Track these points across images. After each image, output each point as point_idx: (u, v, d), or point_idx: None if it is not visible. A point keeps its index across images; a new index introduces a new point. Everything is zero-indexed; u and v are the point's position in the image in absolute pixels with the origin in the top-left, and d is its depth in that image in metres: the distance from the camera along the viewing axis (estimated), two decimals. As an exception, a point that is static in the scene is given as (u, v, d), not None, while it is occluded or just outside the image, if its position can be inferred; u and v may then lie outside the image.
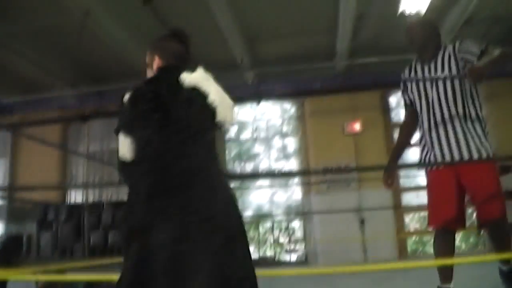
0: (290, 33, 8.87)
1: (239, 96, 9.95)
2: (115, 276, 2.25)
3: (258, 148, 10.94)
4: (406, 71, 4.02)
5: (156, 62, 2.70)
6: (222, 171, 2.66)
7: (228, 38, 8.33)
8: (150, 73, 2.73)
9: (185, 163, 2.31)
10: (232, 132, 11.17)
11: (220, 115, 2.46)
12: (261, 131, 10.98)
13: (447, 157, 3.58)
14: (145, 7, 7.37)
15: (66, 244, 10.32)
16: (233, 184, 10.78)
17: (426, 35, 3.78)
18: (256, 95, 9.91)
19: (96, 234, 10.27)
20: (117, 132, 2.46)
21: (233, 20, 7.76)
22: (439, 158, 3.63)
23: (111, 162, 11.46)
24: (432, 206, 3.75)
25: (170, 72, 2.57)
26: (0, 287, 8.75)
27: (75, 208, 10.84)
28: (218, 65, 9.64)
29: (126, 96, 2.45)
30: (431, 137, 3.70)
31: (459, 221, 3.61)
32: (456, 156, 3.54)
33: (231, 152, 11.22)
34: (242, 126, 11.17)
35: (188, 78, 2.50)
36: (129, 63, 9.21)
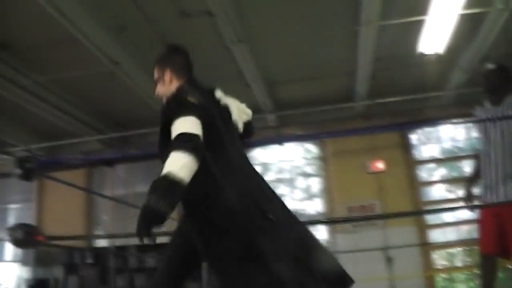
0: (310, 77, 9.09)
1: (262, 139, 10.20)
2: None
3: (282, 189, 10.98)
4: (478, 110, 4.43)
5: (168, 75, 2.86)
6: None
7: (251, 83, 8.55)
8: (161, 88, 2.90)
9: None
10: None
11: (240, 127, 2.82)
12: (285, 172, 11.07)
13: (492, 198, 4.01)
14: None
15: (92, 287, 10.41)
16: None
17: (497, 81, 4.18)
18: (278, 137, 10.10)
19: (122, 277, 10.35)
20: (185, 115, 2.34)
21: (255, 66, 7.98)
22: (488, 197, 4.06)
23: (136, 206, 11.63)
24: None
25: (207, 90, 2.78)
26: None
27: (101, 252, 10.96)
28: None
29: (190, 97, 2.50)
30: (486, 175, 4.12)
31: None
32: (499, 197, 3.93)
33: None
34: (266, 168, 11.26)
35: (223, 98, 2.81)
36: (154, 108, 9.48)
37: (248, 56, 7.54)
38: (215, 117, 2.57)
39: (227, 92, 7.36)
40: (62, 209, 11.65)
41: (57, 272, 10.73)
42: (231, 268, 2.35)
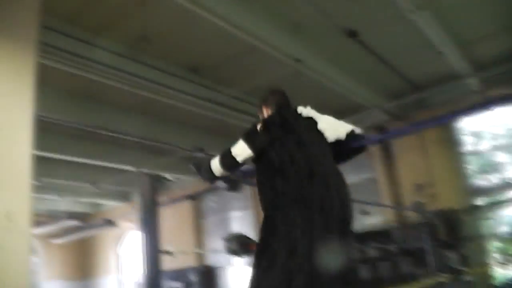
0: (507, 28, 8.03)
1: (468, 107, 9.29)
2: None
3: (500, 157, 9.91)
4: None
5: (264, 111, 3.55)
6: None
7: (442, 49, 7.84)
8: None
9: (322, 170, 2.97)
10: (469, 144, 10.37)
11: (329, 135, 3.32)
12: (501, 138, 9.97)
13: None
14: (351, 40, 7.43)
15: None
16: (481, 200, 9.97)
17: None
18: (485, 102, 9.11)
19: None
20: (243, 138, 3.18)
21: (442, 30, 7.28)
22: None
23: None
24: None
25: (287, 106, 3.50)
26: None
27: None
28: (438, 80, 9.28)
29: (258, 125, 3.24)
30: None
31: None
32: None
33: (472, 165, 10.38)
34: (478, 136, 10.29)
35: (304, 110, 3.43)
36: (345, 96, 9.33)
37: (431, 22, 6.90)
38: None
39: (418, 63, 6.99)
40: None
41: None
42: None
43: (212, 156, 3.40)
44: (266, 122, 3.25)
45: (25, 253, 3.16)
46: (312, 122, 3.34)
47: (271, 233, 2.80)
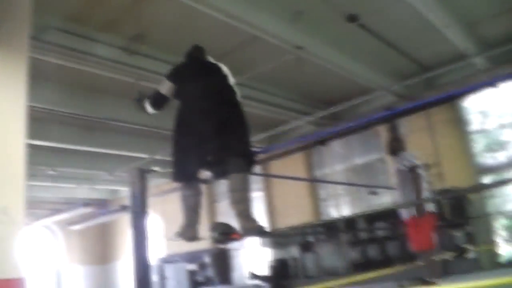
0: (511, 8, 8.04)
1: (473, 84, 9.35)
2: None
3: (507, 135, 9.95)
4: None
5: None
6: None
7: (445, 31, 7.89)
8: None
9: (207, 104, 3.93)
10: (475, 123, 10.43)
11: (230, 79, 4.19)
12: (508, 116, 10.00)
13: None
14: (351, 25, 7.52)
15: (328, 262, 10.82)
16: (488, 179, 10.06)
17: None
18: (491, 80, 9.16)
19: (355, 250, 10.55)
20: (167, 77, 4.13)
21: (444, 11, 7.33)
22: None
23: (357, 178, 11.75)
24: None
25: (196, 55, 4.32)
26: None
27: (332, 227, 11.31)
28: (445, 60, 9.33)
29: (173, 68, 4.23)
30: None
31: None
32: None
33: (478, 144, 10.45)
34: (485, 115, 10.33)
35: (212, 60, 4.33)
36: (352, 80, 9.44)
37: (431, 3, 6.95)
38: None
39: (422, 44, 7.05)
40: (289, 190, 12.36)
41: (294, 251, 11.42)
42: None
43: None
44: (176, 66, 4.25)
45: (18, 243, 3.39)
46: (215, 66, 4.24)
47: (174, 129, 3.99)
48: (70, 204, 15.72)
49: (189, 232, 3.87)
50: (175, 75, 4.15)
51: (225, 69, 4.25)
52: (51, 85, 8.26)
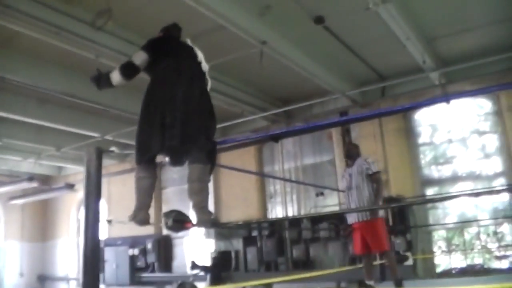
0: (471, 27, 8.31)
1: (428, 99, 9.60)
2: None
3: (454, 149, 10.29)
4: None
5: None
6: None
7: (406, 43, 8.08)
8: None
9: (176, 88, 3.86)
10: (425, 135, 10.75)
11: (204, 66, 4.11)
12: (456, 131, 10.35)
13: None
14: (317, 26, 7.60)
15: (270, 258, 10.93)
16: (431, 190, 10.39)
17: None
18: (444, 95, 9.43)
19: (297, 248, 10.68)
20: (143, 49, 4.00)
21: (407, 24, 7.50)
22: None
23: (306, 177, 11.89)
24: None
25: (174, 34, 4.30)
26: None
27: (277, 224, 11.42)
28: (402, 71, 9.55)
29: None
30: None
31: None
32: None
33: (426, 156, 10.78)
34: (434, 129, 10.65)
35: (189, 42, 4.27)
36: (311, 81, 9.53)
37: (396, 16, 7.11)
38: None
39: (383, 54, 7.24)
40: (237, 184, 12.40)
41: (237, 244, 11.47)
42: None
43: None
44: (154, 39, 4.17)
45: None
46: (192, 50, 4.17)
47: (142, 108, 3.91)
48: (13, 177, 15.25)
49: (140, 215, 3.81)
50: (152, 48, 4.02)
51: (200, 54, 4.17)
52: (5, 52, 7.99)
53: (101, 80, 4.06)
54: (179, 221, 3.70)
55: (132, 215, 3.81)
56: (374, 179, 6.24)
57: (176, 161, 3.92)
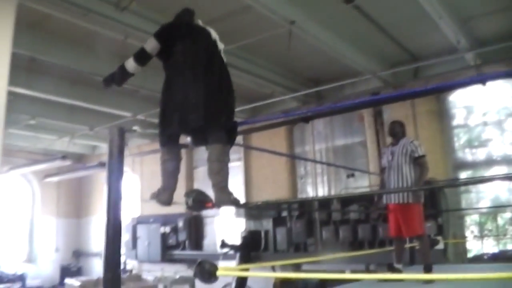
0: (507, 6, 8.03)
1: (463, 80, 9.36)
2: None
3: (489, 132, 10.05)
4: None
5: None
6: None
7: (439, 22, 7.87)
8: None
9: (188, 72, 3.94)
10: (459, 117, 10.52)
11: (220, 45, 4.13)
12: (492, 114, 10.09)
13: None
14: (347, 6, 7.46)
15: (299, 239, 10.95)
16: (465, 174, 10.20)
17: None
18: (480, 77, 9.19)
19: (327, 229, 10.66)
20: (154, 36, 4.09)
21: (440, 3, 7.29)
22: None
23: (336, 159, 11.83)
24: None
25: (185, 18, 4.25)
26: (242, 281, 9.71)
27: (306, 206, 11.41)
28: (436, 52, 9.32)
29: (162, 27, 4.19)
30: None
31: None
32: None
33: (460, 139, 10.56)
34: (469, 111, 10.41)
35: (201, 23, 4.24)
36: (341, 62, 9.41)
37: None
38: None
39: (415, 34, 7.06)
40: (267, 165, 12.42)
41: (267, 224, 11.51)
42: None
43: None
44: (165, 26, 4.22)
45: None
46: (205, 31, 4.16)
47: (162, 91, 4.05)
48: (48, 155, 15.61)
49: (164, 195, 3.89)
50: (162, 35, 4.10)
51: (214, 34, 4.17)
52: (37, 33, 8.11)
53: (116, 75, 4.21)
54: (200, 201, 3.74)
55: (155, 194, 3.89)
56: (419, 163, 5.96)
57: (198, 141, 3.97)
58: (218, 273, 2.94)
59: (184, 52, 3.98)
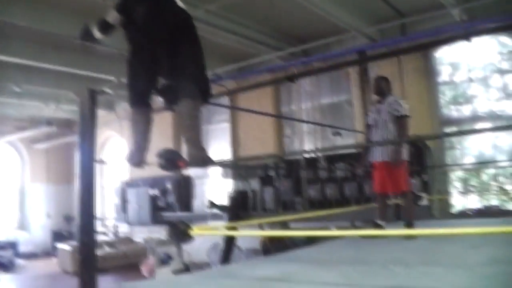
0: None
1: (448, 35, 9.28)
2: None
3: (475, 89, 10.03)
4: None
5: None
6: None
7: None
8: None
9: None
10: (445, 74, 10.48)
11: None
12: (477, 70, 10.06)
13: None
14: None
15: (286, 198, 11.05)
16: (450, 130, 10.24)
17: None
18: (466, 32, 9.09)
19: (314, 188, 10.75)
20: (114, 7, 3.87)
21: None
22: None
23: (323, 117, 11.82)
24: None
25: None
26: (230, 240, 9.78)
27: (294, 164, 11.45)
28: (422, 8, 9.20)
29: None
30: None
31: None
32: None
33: (445, 96, 10.54)
34: (455, 67, 10.36)
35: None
36: (327, 19, 9.29)
37: None
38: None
39: None
40: (254, 124, 12.40)
41: (255, 184, 11.59)
42: None
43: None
44: None
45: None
46: (181, 10, 3.95)
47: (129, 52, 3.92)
48: (35, 122, 15.50)
49: (136, 157, 3.84)
50: (121, 6, 3.93)
51: None
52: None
53: (86, 33, 4.08)
54: (172, 160, 3.71)
55: (127, 156, 3.84)
56: (400, 123, 5.98)
57: (170, 100, 3.90)
58: (193, 232, 2.95)
59: (147, 15, 3.84)
